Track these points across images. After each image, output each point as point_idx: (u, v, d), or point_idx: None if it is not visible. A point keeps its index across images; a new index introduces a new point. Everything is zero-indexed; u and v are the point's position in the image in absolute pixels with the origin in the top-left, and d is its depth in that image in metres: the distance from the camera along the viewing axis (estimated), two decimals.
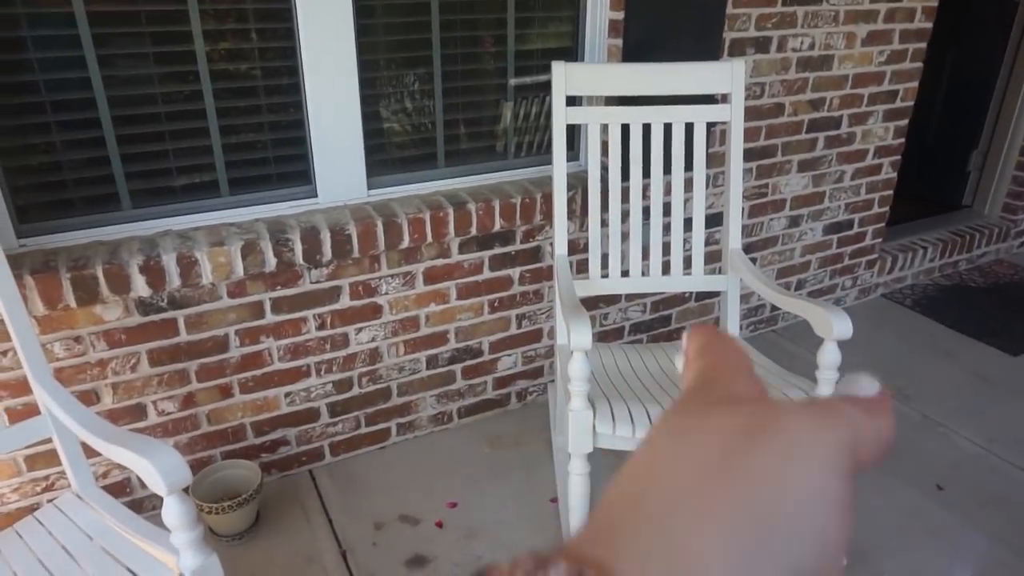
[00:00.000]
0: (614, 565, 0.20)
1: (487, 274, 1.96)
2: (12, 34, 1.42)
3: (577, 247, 2.00)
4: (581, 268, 1.93)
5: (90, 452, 1.29)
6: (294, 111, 1.71)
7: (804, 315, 1.50)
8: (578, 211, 1.95)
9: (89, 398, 1.61)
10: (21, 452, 1.58)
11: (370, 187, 1.83)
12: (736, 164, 1.74)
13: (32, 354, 1.31)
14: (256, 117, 1.69)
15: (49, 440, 1.36)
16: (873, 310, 2.82)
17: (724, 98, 1.72)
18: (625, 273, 1.78)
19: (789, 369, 1.64)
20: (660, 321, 2.36)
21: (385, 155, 1.86)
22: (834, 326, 1.40)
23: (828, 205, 2.54)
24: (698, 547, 0.20)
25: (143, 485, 1.74)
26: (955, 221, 3.25)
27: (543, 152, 2.03)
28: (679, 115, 1.70)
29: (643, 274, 1.78)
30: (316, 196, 1.78)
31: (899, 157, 2.63)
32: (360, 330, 1.85)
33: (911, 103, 2.54)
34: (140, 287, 1.53)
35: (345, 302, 1.80)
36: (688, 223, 1.76)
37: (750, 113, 2.16)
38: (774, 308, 2.60)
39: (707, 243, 1.88)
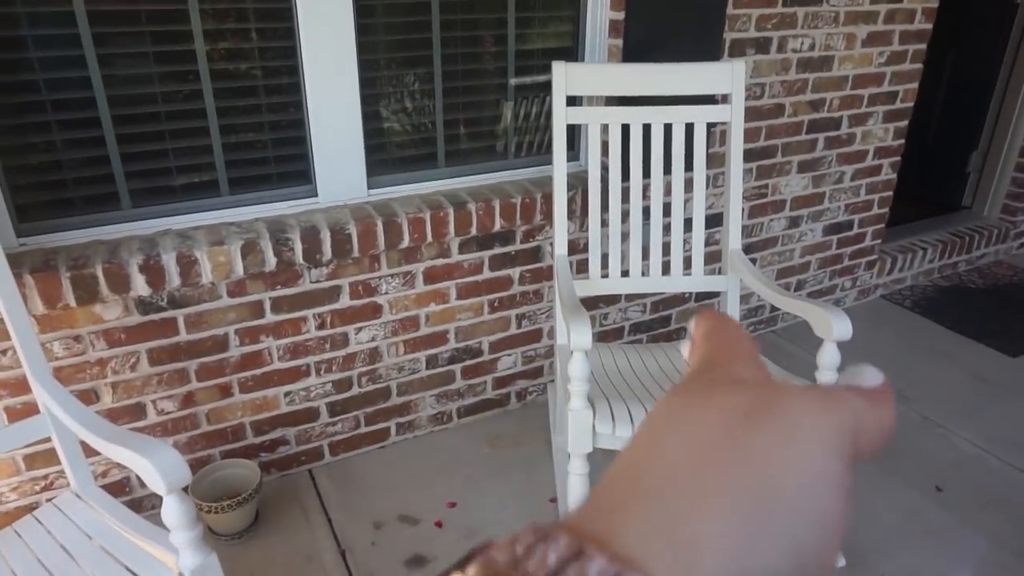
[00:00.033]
0: (614, 539, 0.20)
1: (487, 274, 1.96)
2: (12, 33, 1.42)
3: (577, 247, 2.00)
4: (581, 268, 1.93)
5: (89, 451, 1.29)
6: (294, 111, 1.71)
7: (804, 316, 1.50)
8: (578, 211, 1.95)
9: (88, 397, 1.61)
10: (20, 451, 1.58)
11: (370, 187, 1.83)
12: (736, 164, 1.74)
13: (31, 353, 1.31)
14: (256, 116, 1.68)
15: (48, 439, 1.36)
16: (872, 311, 2.82)
17: (724, 98, 1.72)
18: (625, 273, 1.79)
19: (788, 370, 1.64)
20: (660, 321, 2.36)
21: (385, 155, 1.86)
22: (834, 327, 1.40)
23: (828, 206, 2.54)
24: (699, 523, 0.20)
25: (142, 484, 1.73)
26: (954, 222, 3.25)
27: (543, 152, 2.03)
28: (679, 115, 1.71)
29: (643, 274, 1.78)
30: (316, 196, 1.78)
31: (899, 158, 2.63)
32: (360, 330, 1.85)
33: (911, 104, 2.54)
34: (140, 286, 1.53)
35: (345, 302, 1.80)
36: (688, 223, 1.76)
37: (750, 114, 2.16)
38: (774, 309, 2.60)
39: (707, 243, 1.89)
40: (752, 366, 0.27)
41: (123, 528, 1.24)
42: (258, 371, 1.77)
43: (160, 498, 1.07)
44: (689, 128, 1.71)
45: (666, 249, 1.77)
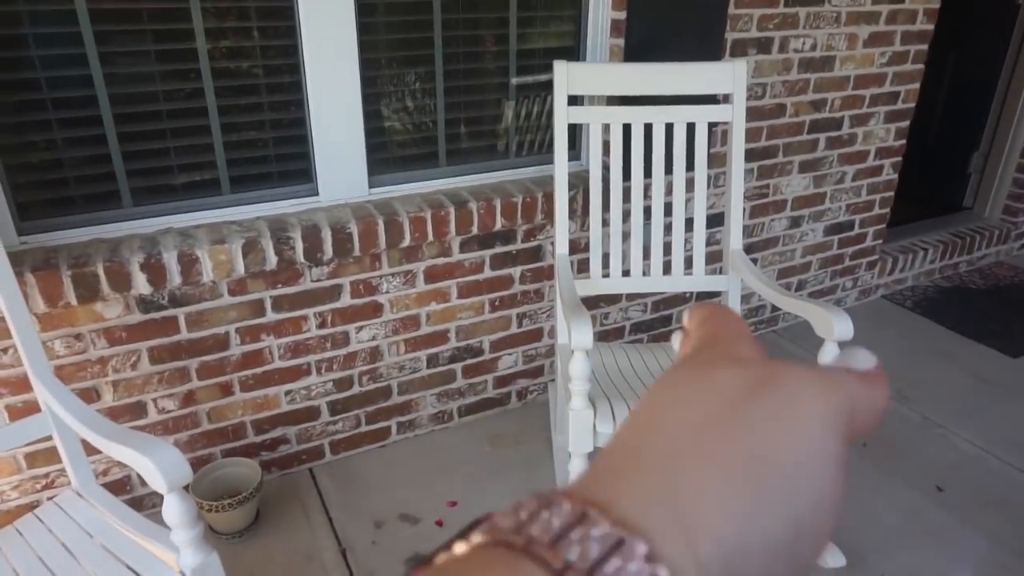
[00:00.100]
0: (615, 505, 0.20)
1: (488, 273, 1.96)
2: (14, 31, 1.42)
3: (578, 246, 2.00)
4: (582, 267, 1.93)
5: (90, 450, 1.29)
6: (295, 109, 1.71)
7: (805, 316, 1.50)
8: (579, 210, 1.95)
9: (89, 396, 1.61)
10: (21, 449, 1.58)
11: (371, 186, 1.83)
12: (737, 164, 1.74)
13: (33, 351, 1.31)
14: (257, 115, 1.68)
15: (49, 437, 1.36)
16: (873, 311, 2.82)
17: (726, 98, 1.72)
18: (626, 273, 1.79)
19: None
20: (661, 321, 2.36)
21: (387, 154, 1.86)
22: (835, 327, 1.40)
23: (829, 206, 2.54)
24: (700, 490, 0.20)
25: (143, 483, 1.74)
26: (956, 223, 3.25)
27: (545, 151, 2.03)
28: (681, 115, 1.70)
29: (644, 274, 1.78)
30: (317, 194, 1.78)
31: (900, 158, 2.63)
32: (361, 328, 1.85)
33: (912, 104, 2.54)
34: (141, 285, 1.53)
35: (346, 300, 1.80)
36: (689, 223, 1.76)
37: (751, 113, 2.16)
38: (775, 309, 2.60)
39: (708, 243, 1.88)
40: (750, 346, 0.27)
41: (124, 526, 1.24)
42: (259, 370, 1.77)
43: (161, 497, 1.07)
44: (690, 128, 1.71)
45: (667, 249, 1.77)
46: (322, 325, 1.80)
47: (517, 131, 2.00)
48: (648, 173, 1.72)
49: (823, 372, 0.24)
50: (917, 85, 2.51)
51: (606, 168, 1.74)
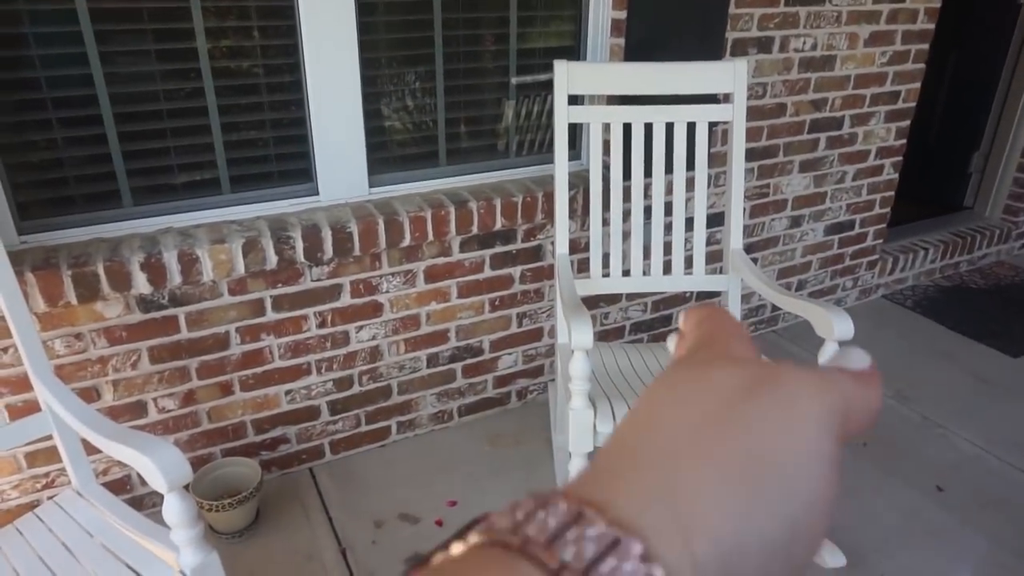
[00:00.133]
0: (612, 505, 0.20)
1: (488, 273, 1.96)
2: (14, 31, 1.42)
3: (578, 246, 2.00)
4: (582, 267, 1.93)
5: (90, 449, 1.29)
6: (296, 109, 1.71)
7: (805, 315, 1.50)
8: (579, 210, 1.95)
9: (90, 395, 1.61)
10: (21, 449, 1.58)
11: (371, 185, 1.83)
12: (738, 164, 1.73)
13: (33, 351, 1.31)
14: (258, 115, 1.68)
15: (49, 437, 1.36)
16: (874, 311, 2.82)
17: (726, 98, 1.72)
18: (626, 272, 1.78)
19: None
20: (661, 320, 2.36)
21: (387, 153, 1.86)
22: (835, 327, 1.40)
23: (829, 206, 2.54)
24: (696, 489, 0.20)
25: (143, 482, 1.74)
26: (956, 222, 3.25)
27: (545, 151, 2.02)
28: (681, 115, 1.70)
29: (644, 273, 1.78)
30: (317, 194, 1.78)
31: (901, 158, 2.63)
32: (361, 328, 1.85)
33: (913, 104, 2.54)
34: (141, 284, 1.53)
35: (346, 300, 1.80)
36: (689, 223, 1.76)
37: (752, 113, 2.16)
38: (775, 308, 2.60)
39: (708, 243, 1.88)
40: (746, 347, 0.27)
41: (124, 526, 1.24)
42: (259, 369, 1.78)
43: (161, 496, 1.07)
44: (691, 127, 1.71)
45: (667, 248, 1.77)
46: (322, 325, 1.80)
47: (517, 131, 2.00)
48: (648, 172, 1.72)
49: (818, 372, 0.24)
50: (918, 85, 2.51)
51: (606, 167, 1.74)
